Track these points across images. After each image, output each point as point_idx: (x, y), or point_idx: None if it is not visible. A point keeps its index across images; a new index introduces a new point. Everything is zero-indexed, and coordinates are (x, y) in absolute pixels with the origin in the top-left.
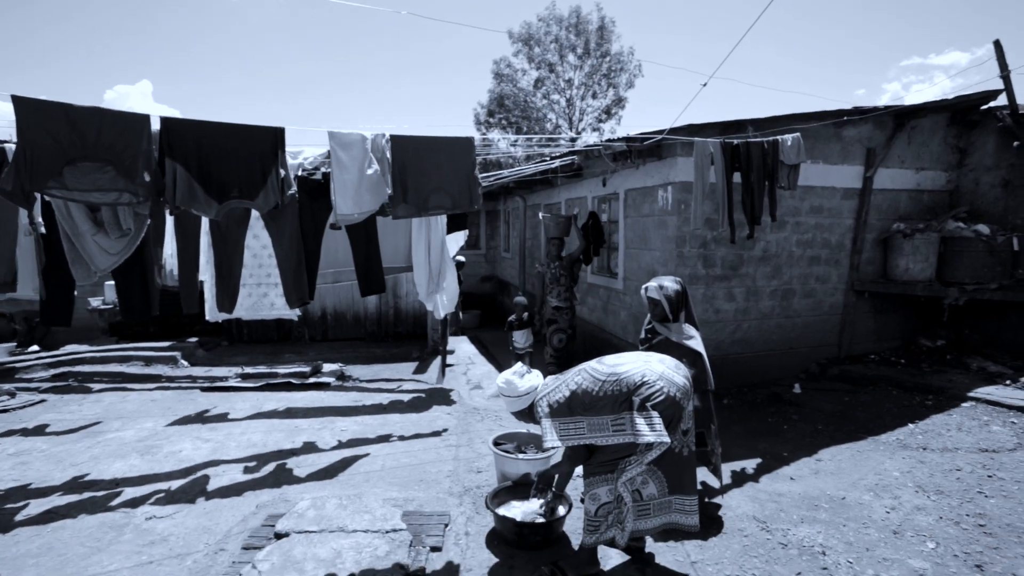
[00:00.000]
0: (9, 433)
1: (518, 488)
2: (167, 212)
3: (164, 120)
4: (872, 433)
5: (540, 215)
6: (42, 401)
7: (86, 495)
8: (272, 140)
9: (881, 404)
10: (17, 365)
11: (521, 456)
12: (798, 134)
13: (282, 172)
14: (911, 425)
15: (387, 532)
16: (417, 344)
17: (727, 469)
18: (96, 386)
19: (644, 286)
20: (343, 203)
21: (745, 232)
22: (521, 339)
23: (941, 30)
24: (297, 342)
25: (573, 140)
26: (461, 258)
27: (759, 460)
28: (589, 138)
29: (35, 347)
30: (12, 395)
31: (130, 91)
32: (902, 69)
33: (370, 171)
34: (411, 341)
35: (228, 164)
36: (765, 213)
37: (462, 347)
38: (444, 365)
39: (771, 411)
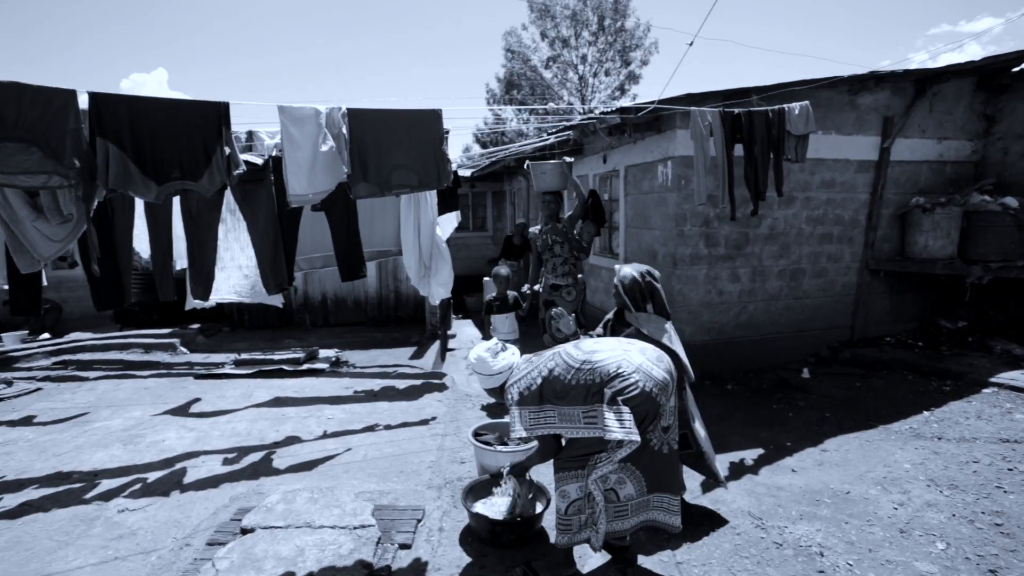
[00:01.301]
0: None
1: (497, 481)
2: (105, 195)
3: (92, 96)
4: (883, 421)
5: (526, 164)
6: (37, 390)
7: (63, 487)
8: (215, 116)
9: (895, 390)
10: (18, 354)
11: (501, 448)
12: (807, 102)
13: (227, 150)
14: (926, 413)
15: (355, 528)
16: (418, 328)
17: (724, 460)
18: (92, 374)
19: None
20: (295, 183)
21: (748, 209)
22: (503, 326)
23: None
24: (298, 328)
25: (583, 115)
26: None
27: (760, 450)
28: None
29: (46, 335)
30: (9, 383)
31: (146, 79)
32: (929, 38)
33: (324, 148)
34: (412, 325)
35: (167, 143)
36: (771, 188)
37: (465, 330)
38: (444, 349)
39: (777, 397)
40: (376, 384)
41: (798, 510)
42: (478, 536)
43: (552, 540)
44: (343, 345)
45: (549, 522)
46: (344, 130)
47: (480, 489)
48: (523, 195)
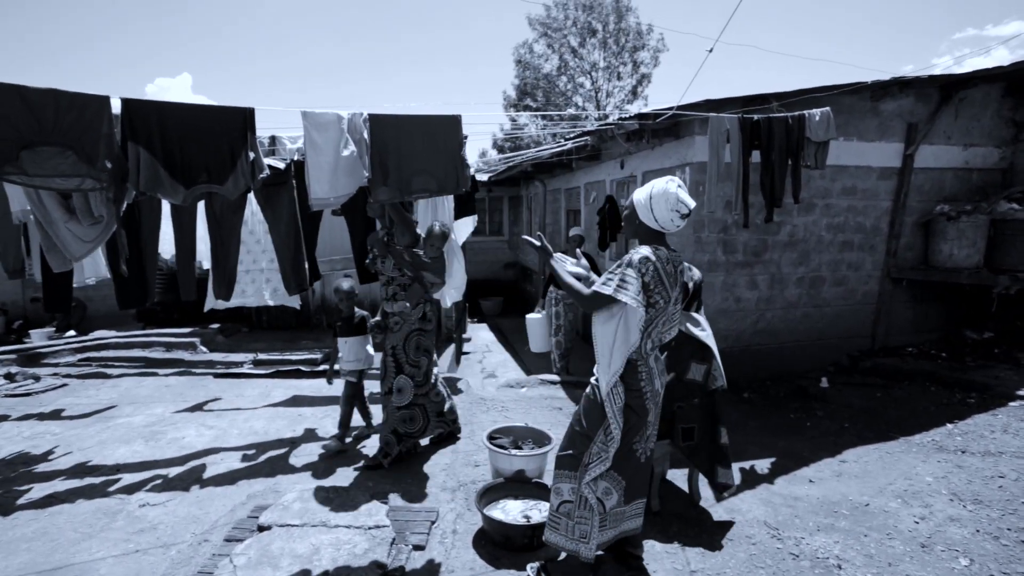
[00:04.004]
0: (27, 417)
1: (511, 485)
2: (134, 197)
3: (125, 102)
4: (904, 433)
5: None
6: (63, 385)
7: (87, 480)
8: (241, 121)
9: (916, 401)
10: (46, 350)
11: (515, 452)
12: (827, 109)
13: (251, 155)
14: (949, 425)
15: (369, 528)
16: (435, 331)
17: (739, 468)
18: (116, 371)
19: None
20: (318, 186)
21: (762, 216)
22: (348, 352)
23: None
24: (315, 329)
25: (600, 120)
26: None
27: (776, 460)
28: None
29: (71, 332)
30: (37, 379)
31: (171, 84)
32: (954, 43)
33: (346, 152)
34: None
35: (195, 147)
36: (788, 195)
37: (480, 335)
38: (460, 353)
39: (794, 406)
40: None
41: (815, 521)
42: (492, 540)
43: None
44: None
45: None
46: (366, 135)
47: (494, 492)
48: (540, 200)
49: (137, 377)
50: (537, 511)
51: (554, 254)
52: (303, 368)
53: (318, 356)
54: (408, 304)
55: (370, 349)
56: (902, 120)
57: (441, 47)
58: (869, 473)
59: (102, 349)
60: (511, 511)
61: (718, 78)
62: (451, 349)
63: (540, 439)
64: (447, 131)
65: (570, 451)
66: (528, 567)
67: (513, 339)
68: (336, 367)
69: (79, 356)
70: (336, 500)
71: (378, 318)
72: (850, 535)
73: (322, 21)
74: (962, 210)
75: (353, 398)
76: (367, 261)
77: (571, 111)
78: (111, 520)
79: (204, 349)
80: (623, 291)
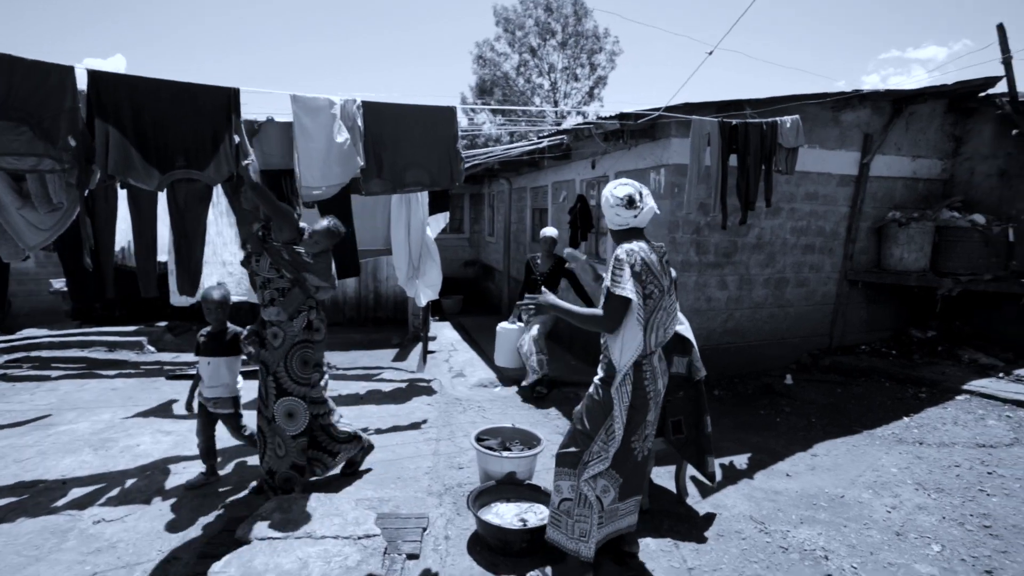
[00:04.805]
0: None
1: (502, 488)
2: (98, 182)
3: (92, 74)
4: (866, 427)
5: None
6: None
7: (28, 496)
8: (225, 102)
9: (874, 396)
10: None
11: (506, 454)
12: (797, 116)
13: (236, 138)
14: (906, 419)
15: (359, 538)
16: (397, 330)
17: (718, 464)
18: (53, 373)
19: None
20: (309, 175)
21: (737, 218)
22: (212, 376)
23: (918, 24)
24: None
25: (558, 123)
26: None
27: (752, 455)
28: (574, 121)
29: None
30: None
31: (101, 66)
32: (880, 62)
33: (340, 139)
34: (391, 326)
35: (172, 128)
36: (760, 198)
37: (444, 333)
38: (426, 352)
39: (763, 403)
40: (361, 387)
41: (798, 514)
42: (487, 544)
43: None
44: None
45: None
46: (359, 123)
47: (486, 496)
48: (504, 198)
49: (78, 380)
50: (532, 514)
51: (548, 295)
52: None
53: None
54: (282, 310)
55: (240, 370)
56: (859, 131)
57: (391, 45)
58: (840, 466)
59: (34, 349)
60: (505, 515)
61: (694, 71)
62: (418, 348)
63: (528, 440)
64: (442, 122)
65: (571, 448)
66: None
67: (478, 337)
68: (198, 395)
69: (7, 357)
70: (320, 508)
71: (253, 327)
72: (831, 526)
73: (273, 14)
74: (911, 217)
75: (210, 427)
76: (241, 260)
77: (534, 107)
78: (61, 540)
79: (152, 349)
80: (622, 287)
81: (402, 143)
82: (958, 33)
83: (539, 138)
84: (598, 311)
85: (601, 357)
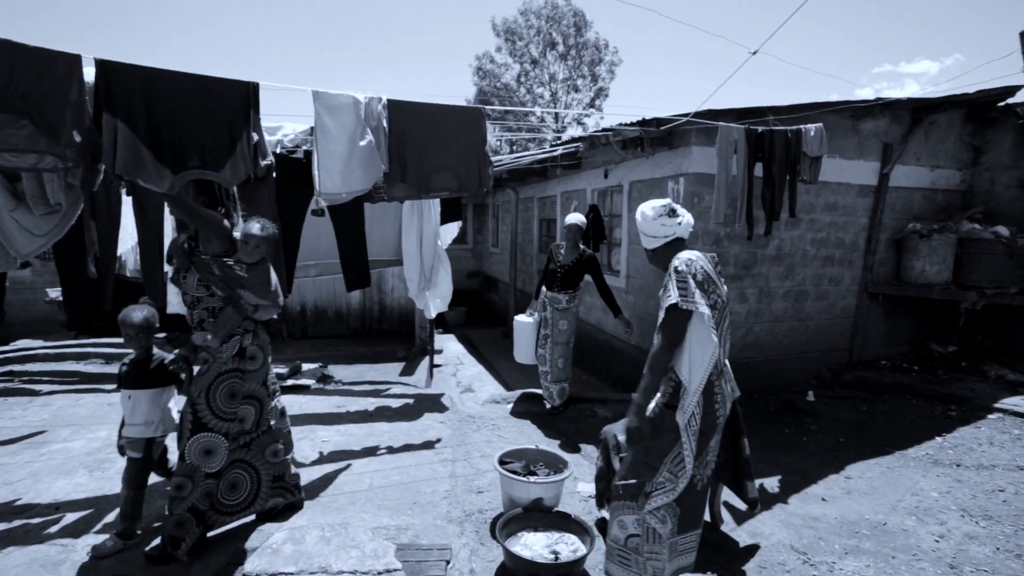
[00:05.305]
0: None
1: (529, 516)
2: (100, 182)
3: (101, 63)
4: (898, 447)
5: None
6: None
7: (17, 522)
8: (244, 97)
9: (902, 414)
10: None
11: (533, 479)
12: (820, 124)
13: (255, 136)
14: (938, 439)
15: (379, 573)
16: (402, 342)
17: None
18: (46, 388)
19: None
20: (328, 180)
21: (762, 229)
22: (134, 412)
23: (911, 38)
24: (275, 338)
25: (559, 133)
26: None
27: (783, 477)
28: (574, 132)
29: None
30: None
31: None
32: (873, 76)
33: (363, 142)
34: (396, 339)
35: (187, 124)
36: (784, 209)
37: (449, 346)
38: (432, 366)
39: (787, 420)
40: (370, 403)
41: (840, 543)
42: None
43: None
44: (325, 359)
45: (592, 564)
46: (384, 123)
47: (514, 524)
48: (511, 208)
49: (73, 395)
50: (564, 545)
51: (609, 431)
52: None
53: (284, 370)
54: (212, 334)
55: (172, 406)
56: (878, 140)
57: (388, 57)
58: (876, 490)
59: (27, 362)
60: (533, 545)
61: (735, 70)
62: (425, 362)
63: (553, 463)
64: (470, 124)
65: (633, 480)
66: None
67: (484, 350)
68: (124, 435)
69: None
70: (335, 540)
71: (181, 351)
72: (879, 557)
73: (267, 20)
74: (932, 228)
75: (140, 478)
76: (170, 277)
77: (529, 126)
78: (53, 573)
79: None
80: (689, 300)
81: (429, 145)
82: (951, 48)
83: (552, 146)
84: (655, 346)
85: (665, 379)
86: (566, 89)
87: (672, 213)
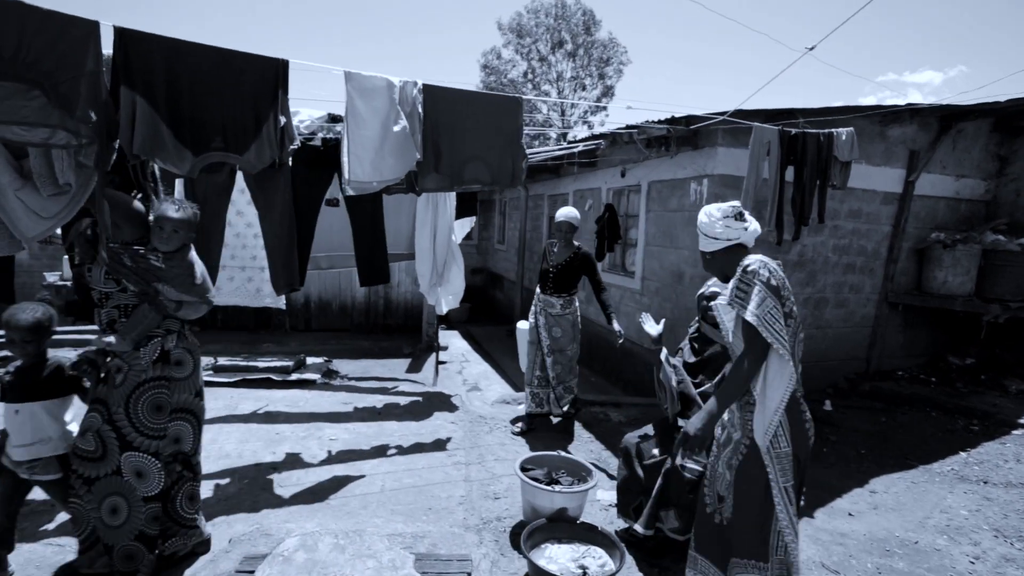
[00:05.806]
0: None
1: (553, 527)
2: (112, 162)
3: (120, 32)
4: (921, 461)
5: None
6: None
7: None
8: (272, 75)
9: (922, 427)
10: None
11: (557, 488)
12: (851, 129)
13: (282, 119)
14: (963, 454)
15: None
16: (408, 338)
17: None
18: None
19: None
20: (358, 167)
21: (790, 234)
22: (22, 428)
23: (916, 48)
24: (277, 330)
25: (563, 134)
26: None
27: (806, 489)
28: (579, 131)
29: None
30: None
31: None
32: (877, 85)
33: (397, 128)
34: (401, 334)
35: (209, 102)
36: (814, 214)
37: (454, 343)
38: (438, 362)
39: None
40: (378, 400)
41: (872, 562)
42: None
43: None
44: (329, 353)
45: None
46: (419, 109)
47: (538, 535)
48: (520, 205)
49: None
50: (591, 559)
51: (689, 427)
52: (274, 377)
53: (289, 363)
54: (114, 340)
55: (69, 418)
56: (905, 147)
57: (392, 53)
58: (904, 505)
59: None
60: (558, 558)
61: (788, 66)
62: (432, 358)
63: (576, 470)
64: (507, 113)
65: (755, 529)
66: None
67: (490, 348)
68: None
69: None
70: (350, 548)
71: (87, 352)
72: None
73: (269, 15)
74: (956, 238)
75: (10, 500)
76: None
77: (534, 125)
78: None
79: None
80: (766, 314)
81: (463, 134)
82: (954, 59)
83: (570, 143)
84: (740, 362)
85: (733, 411)
86: (573, 87)
87: (740, 216)
